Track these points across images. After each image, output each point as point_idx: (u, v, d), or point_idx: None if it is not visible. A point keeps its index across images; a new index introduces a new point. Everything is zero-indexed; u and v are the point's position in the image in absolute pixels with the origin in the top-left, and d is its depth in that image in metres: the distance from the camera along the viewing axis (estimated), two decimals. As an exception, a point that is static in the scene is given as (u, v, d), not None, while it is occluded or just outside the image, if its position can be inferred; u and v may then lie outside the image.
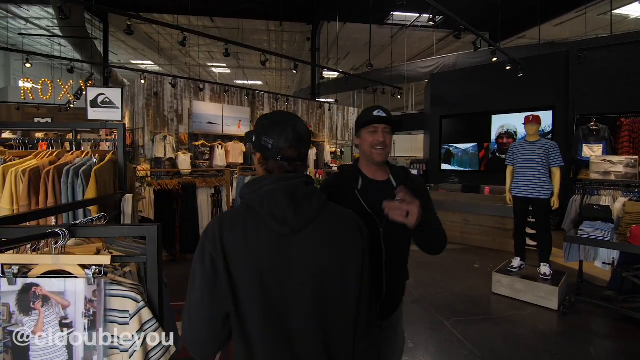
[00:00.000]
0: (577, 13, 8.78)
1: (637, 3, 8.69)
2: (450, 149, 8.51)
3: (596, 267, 3.46)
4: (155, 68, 14.86)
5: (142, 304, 0.90)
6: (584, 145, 4.79)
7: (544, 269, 3.44)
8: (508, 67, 6.29)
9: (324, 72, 8.58)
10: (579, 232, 3.08)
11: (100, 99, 1.94)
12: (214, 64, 15.24)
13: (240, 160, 8.93)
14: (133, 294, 0.90)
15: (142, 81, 7.18)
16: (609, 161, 3.69)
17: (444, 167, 8.53)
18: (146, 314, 0.90)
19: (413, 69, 11.03)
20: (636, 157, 4.04)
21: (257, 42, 12.58)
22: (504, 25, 10.00)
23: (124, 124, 1.76)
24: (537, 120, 3.54)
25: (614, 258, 3.20)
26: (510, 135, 7.56)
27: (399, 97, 9.79)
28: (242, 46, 6.47)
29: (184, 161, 7.48)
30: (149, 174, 5.55)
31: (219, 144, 8.57)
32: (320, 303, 0.77)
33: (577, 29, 9.63)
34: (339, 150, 11.14)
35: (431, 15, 4.35)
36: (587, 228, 3.04)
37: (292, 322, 0.76)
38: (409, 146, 13.90)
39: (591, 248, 3.31)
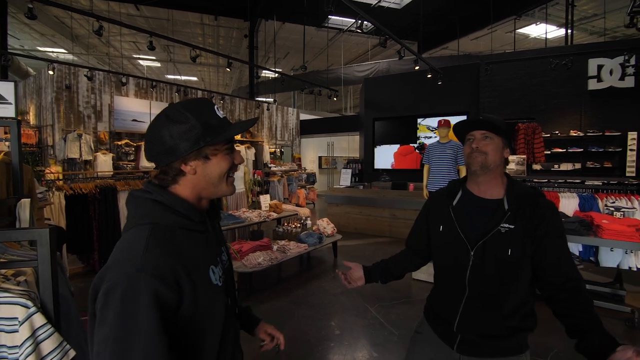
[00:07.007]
0: (488, 30, 10.01)
1: (534, 25, 10.24)
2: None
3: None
4: (70, 57, 13.22)
5: (33, 309, 0.86)
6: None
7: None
8: (429, 75, 6.93)
9: (261, 72, 8.49)
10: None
11: (-11, 93, 1.71)
12: (141, 56, 14.06)
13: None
14: (22, 300, 0.85)
15: (50, 72, 6.26)
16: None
17: (377, 166, 9.07)
18: (39, 319, 0.86)
19: (350, 73, 11.51)
20: (524, 156, 4.82)
21: (189, 36, 11.94)
22: (429, 37, 11.02)
23: (19, 121, 1.58)
24: (448, 124, 4.00)
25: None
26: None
27: (334, 99, 10.13)
28: (169, 40, 6.09)
29: (105, 162, 6.80)
30: (60, 177, 5.00)
31: (147, 143, 7.95)
32: None
33: (490, 43, 11.00)
34: (278, 150, 11.13)
35: (359, 23, 4.62)
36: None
37: None
38: (346, 146, 14.46)
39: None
